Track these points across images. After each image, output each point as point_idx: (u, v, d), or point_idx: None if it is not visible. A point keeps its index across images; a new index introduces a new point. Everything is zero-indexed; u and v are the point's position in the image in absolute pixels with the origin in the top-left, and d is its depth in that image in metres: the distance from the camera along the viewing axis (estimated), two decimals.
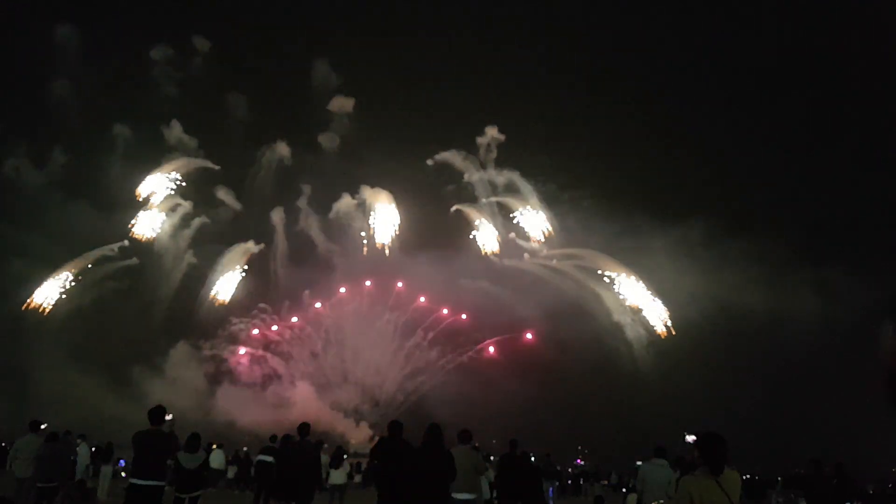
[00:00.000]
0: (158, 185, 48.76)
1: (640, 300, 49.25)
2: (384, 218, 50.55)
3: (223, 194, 50.65)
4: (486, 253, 50.40)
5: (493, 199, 52.29)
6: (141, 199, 47.99)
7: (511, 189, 52.30)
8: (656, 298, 49.10)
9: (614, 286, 49.38)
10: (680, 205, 50.14)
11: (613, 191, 50.81)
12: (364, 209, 51.48)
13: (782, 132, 53.48)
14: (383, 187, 51.24)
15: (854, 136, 50.68)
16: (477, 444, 12.52)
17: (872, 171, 48.48)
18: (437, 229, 51.38)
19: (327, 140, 52.48)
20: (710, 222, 47.81)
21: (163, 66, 50.57)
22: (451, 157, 52.44)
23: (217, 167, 50.68)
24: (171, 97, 50.87)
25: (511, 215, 51.81)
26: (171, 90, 50.85)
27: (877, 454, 36.15)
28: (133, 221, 47.71)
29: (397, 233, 50.49)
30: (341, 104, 52.49)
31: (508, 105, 52.94)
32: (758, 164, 53.68)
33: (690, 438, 32.07)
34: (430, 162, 52.47)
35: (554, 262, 50.73)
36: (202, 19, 50.19)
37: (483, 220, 51.03)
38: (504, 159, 52.72)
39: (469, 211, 51.78)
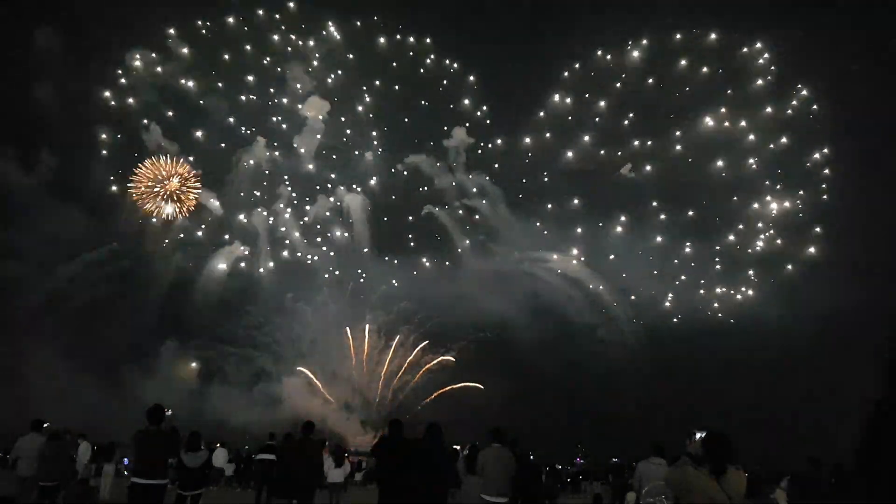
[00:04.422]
0: None
1: (608, 301, 51.03)
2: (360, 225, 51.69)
3: (205, 197, 50.55)
4: None
5: (465, 201, 53.38)
6: None
7: (481, 193, 53.52)
8: (623, 300, 50.84)
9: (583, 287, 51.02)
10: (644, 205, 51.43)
11: (579, 195, 52.37)
12: (341, 211, 52.26)
13: None
14: (357, 191, 52.42)
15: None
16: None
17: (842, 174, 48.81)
18: (411, 231, 52.83)
19: (304, 143, 52.55)
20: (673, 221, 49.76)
21: (140, 70, 50.16)
22: (421, 160, 53.16)
23: (199, 170, 50.53)
24: (149, 101, 50.57)
25: (479, 218, 53.23)
26: (148, 94, 50.51)
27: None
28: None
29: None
30: (316, 106, 52.57)
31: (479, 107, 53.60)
32: None
33: (699, 436, 32.29)
34: (400, 166, 53.37)
35: (526, 264, 51.64)
36: (179, 22, 49.92)
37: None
38: (474, 163, 53.92)
39: (440, 214, 52.90)
